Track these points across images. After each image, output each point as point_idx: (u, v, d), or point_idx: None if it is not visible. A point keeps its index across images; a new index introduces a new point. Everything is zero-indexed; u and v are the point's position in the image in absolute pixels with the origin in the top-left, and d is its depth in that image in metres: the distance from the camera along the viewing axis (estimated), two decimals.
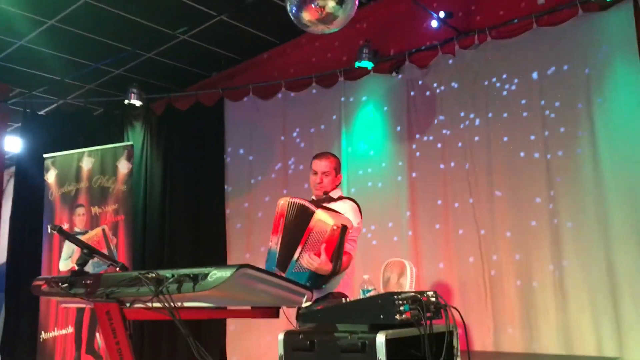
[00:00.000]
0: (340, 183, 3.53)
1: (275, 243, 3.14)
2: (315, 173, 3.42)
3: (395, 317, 2.11)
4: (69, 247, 6.20)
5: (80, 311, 6.03)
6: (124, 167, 6.37)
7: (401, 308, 2.12)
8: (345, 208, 3.30)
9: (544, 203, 4.72)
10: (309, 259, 2.94)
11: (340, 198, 3.42)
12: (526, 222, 4.80)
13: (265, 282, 2.02)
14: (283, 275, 2.96)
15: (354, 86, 6.07)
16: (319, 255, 2.93)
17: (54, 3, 5.50)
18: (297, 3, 3.72)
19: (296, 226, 3.09)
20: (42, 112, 7.59)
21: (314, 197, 3.47)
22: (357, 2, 3.80)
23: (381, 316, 2.15)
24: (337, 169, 3.48)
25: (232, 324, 6.32)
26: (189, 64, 7.10)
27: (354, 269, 3.34)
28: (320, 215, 3.02)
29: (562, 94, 4.75)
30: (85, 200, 6.40)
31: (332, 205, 3.33)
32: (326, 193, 3.41)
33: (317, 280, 3.00)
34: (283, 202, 3.22)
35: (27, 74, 6.88)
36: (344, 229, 3.01)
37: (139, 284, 2.03)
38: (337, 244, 2.97)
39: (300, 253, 3.00)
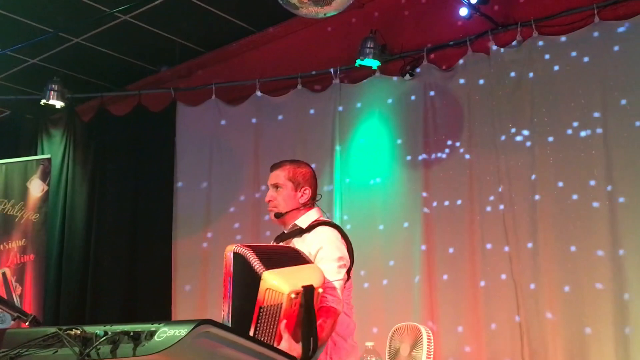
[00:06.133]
0: (309, 200, 3.38)
1: (226, 313, 2.89)
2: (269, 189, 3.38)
3: None
4: None
5: None
6: (36, 188, 6.31)
7: None
8: (317, 241, 3.16)
9: (607, 258, 4.75)
10: None
11: (312, 226, 3.27)
12: (584, 280, 4.81)
13: (234, 345, 1.97)
14: None
15: (354, 91, 6.12)
16: (279, 339, 2.69)
17: None
18: None
19: (244, 292, 2.84)
20: None
21: (284, 230, 3.39)
22: None
23: None
24: (299, 180, 3.36)
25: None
26: (131, 54, 7.10)
27: (354, 328, 3.21)
28: (268, 281, 2.72)
29: (635, 112, 4.81)
30: None
31: (298, 240, 3.22)
32: (280, 215, 3.32)
33: None
34: (228, 252, 2.95)
35: None
36: (309, 291, 2.74)
37: (57, 344, 1.98)
38: (304, 316, 2.72)
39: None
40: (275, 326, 2.69)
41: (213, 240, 6.52)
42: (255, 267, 2.74)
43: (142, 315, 6.44)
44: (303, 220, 3.32)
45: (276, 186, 3.34)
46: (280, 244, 3.31)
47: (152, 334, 1.83)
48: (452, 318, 5.30)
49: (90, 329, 1.95)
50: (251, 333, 2.69)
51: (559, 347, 4.82)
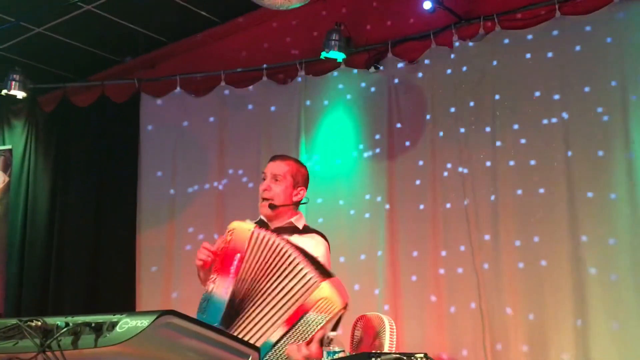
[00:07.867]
0: (301, 201, 3.45)
1: (224, 288, 2.82)
2: (264, 178, 3.35)
3: None
4: None
5: None
6: None
7: None
8: (316, 249, 3.19)
9: (568, 249, 4.83)
10: (299, 352, 2.66)
11: (305, 230, 3.35)
12: (545, 272, 4.89)
13: (196, 336, 1.96)
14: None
15: (319, 83, 6.13)
16: (309, 342, 2.70)
17: None
18: None
19: (269, 281, 2.80)
20: None
21: (263, 218, 3.38)
22: None
23: None
24: (298, 179, 3.39)
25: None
26: (95, 44, 7.01)
27: None
28: (327, 290, 2.71)
29: (589, 107, 4.89)
30: None
31: (297, 239, 3.18)
32: (274, 207, 3.29)
33: None
34: (240, 229, 2.93)
35: None
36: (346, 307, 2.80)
37: (18, 335, 1.95)
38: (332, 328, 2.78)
39: (285, 336, 2.71)
40: (312, 332, 2.70)
41: (177, 229, 6.47)
42: (307, 274, 2.76)
43: (106, 306, 6.37)
44: (298, 221, 3.39)
45: (276, 178, 3.33)
46: (279, 237, 3.00)
47: (113, 325, 1.81)
48: (415, 307, 5.36)
49: (51, 320, 1.92)
50: (280, 330, 2.72)
51: (520, 334, 4.90)
